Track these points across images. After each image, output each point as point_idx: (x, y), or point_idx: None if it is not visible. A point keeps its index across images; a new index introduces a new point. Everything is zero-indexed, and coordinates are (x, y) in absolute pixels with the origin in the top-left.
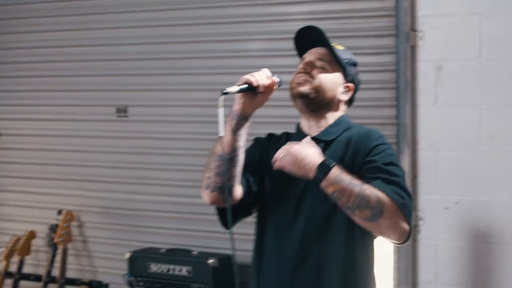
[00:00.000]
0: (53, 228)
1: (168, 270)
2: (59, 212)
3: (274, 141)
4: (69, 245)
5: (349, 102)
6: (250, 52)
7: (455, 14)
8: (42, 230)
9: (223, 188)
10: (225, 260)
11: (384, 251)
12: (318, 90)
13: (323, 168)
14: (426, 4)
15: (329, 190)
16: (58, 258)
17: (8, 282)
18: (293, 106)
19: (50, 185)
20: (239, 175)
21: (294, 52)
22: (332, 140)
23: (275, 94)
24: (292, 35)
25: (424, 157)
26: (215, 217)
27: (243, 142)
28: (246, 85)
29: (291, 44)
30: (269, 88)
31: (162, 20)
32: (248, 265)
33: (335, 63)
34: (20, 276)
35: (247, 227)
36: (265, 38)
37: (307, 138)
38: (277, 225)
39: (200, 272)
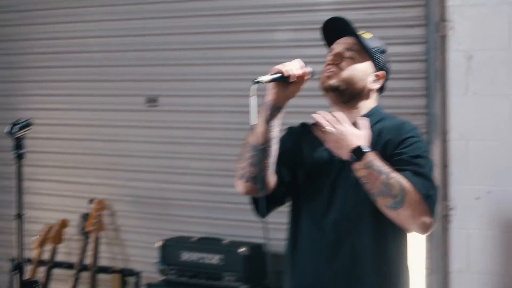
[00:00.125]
0: (85, 217)
1: (200, 258)
2: (91, 201)
3: (307, 131)
4: (101, 234)
5: (381, 90)
6: (279, 43)
7: (485, 4)
8: (74, 219)
9: (257, 178)
10: (256, 249)
11: (416, 240)
12: (348, 81)
13: (358, 152)
14: None
15: (359, 174)
16: (90, 246)
17: (41, 270)
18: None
19: (81, 174)
20: (273, 165)
21: (323, 42)
22: None
23: (307, 84)
24: (321, 25)
25: (455, 147)
26: (246, 206)
27: (276, 133)
28: (278, 75)
29: (319, 34)
30: (301, 79)
31: (192, 11)
32: (280, 254)
33: (364, 52)
34: (53, 264)
35: (279, 216)
36: (293, 28)
37: (362, 119)
38: (311, 215)
39: (231, 260)
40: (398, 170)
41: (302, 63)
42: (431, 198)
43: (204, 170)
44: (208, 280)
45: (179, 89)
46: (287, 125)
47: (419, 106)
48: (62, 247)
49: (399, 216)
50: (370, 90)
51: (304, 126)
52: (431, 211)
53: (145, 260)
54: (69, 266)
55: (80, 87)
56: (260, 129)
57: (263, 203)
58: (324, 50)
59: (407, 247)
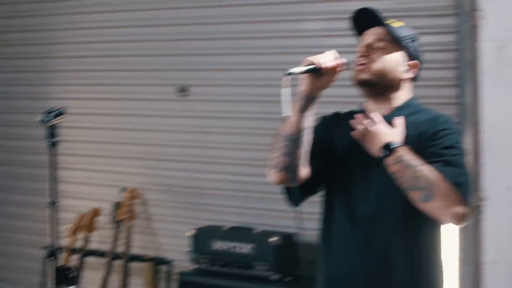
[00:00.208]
0: (117, 206)
1: (231, 247)
2: (123, 190)
3: (341, 120)
4: (133, 222)
5: (415, 79)
6: (308, 32)
7: None
8: (106, 208)
9: (290, 167)
10: (287, 239)
11: (449, 232)
12: (379, 73)
13: (388, 147)
14: None
15: (391, 169)
16: (123, 235)
17: (74, 258)
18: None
19: (113, 163)
20: (306, 155)
21: (353, 33)
22: None
23: (341, 74)
24: (350, 16)
25: (487, 137)
26: (277, 196)
27: (309, 123)
28: (310, 67)
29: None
30: (333, 70)
31: (223, 1)
32: (312, 243)
33: (394, 41)
34: (86, 252)
35: (311, 206)
36: (324, 18)
37: (398, 119)
38: (345, 206)
39: (262, 250)
40: (431, 162)
41: (337, 54)
42: (462, 185)
43: (236, 159)
44: (239, 269)
45: (210, 79)
46: (320, 114)
47: (450, 96)
48: (94, 236)
49: (432, 208)
50: (402, 80)
51: (337, 115)
52: (464, 200)
53: (177, 249)
54: (101, 254)
55: (111, 76)
56: (293, 119)
57: (297, 193)
58: (355, 40)
59: (440, 241)
